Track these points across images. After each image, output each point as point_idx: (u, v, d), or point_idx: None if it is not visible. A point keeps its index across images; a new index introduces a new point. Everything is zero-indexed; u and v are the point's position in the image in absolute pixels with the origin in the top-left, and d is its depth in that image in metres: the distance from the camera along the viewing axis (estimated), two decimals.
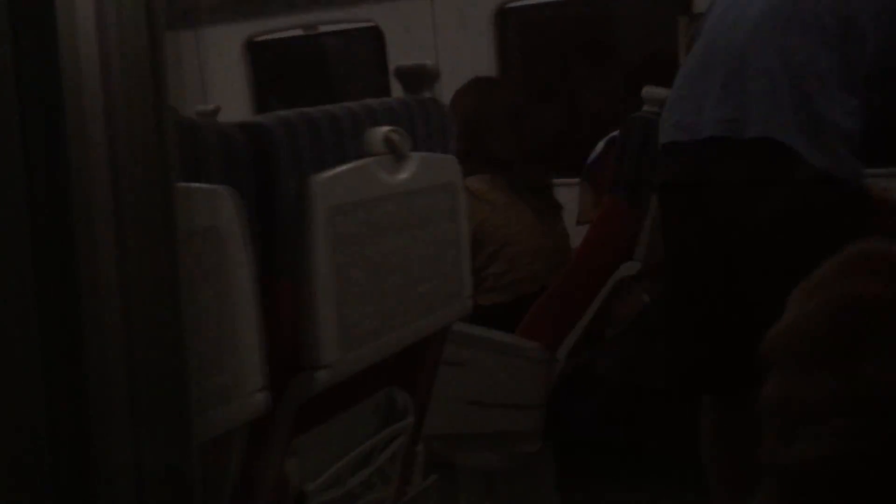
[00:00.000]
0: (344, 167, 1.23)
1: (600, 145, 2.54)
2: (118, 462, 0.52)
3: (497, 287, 2.37)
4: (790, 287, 0.31)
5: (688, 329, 1.83)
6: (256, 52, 3.61)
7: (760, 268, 1.65)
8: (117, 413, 0.52)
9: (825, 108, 1.61)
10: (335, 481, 1.32)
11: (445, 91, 2.41)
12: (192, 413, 0.52)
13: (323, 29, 3.68)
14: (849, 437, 0.28)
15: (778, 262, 1.59)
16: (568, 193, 2.58)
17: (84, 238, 0.51)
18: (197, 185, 1.02)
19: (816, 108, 1.61)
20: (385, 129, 1.29)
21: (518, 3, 3.20)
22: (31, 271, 0.51)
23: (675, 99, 1.82)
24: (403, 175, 1.33)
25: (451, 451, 2.25)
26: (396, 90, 1.57)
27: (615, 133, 2.34)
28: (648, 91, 2.18)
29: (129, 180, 0.53)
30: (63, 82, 0.52)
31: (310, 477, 1.27)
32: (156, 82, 0.56)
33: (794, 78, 1.63)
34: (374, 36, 3.35)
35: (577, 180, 2.62)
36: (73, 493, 0.52)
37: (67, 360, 0.51)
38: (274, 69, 3.77)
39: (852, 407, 0.28)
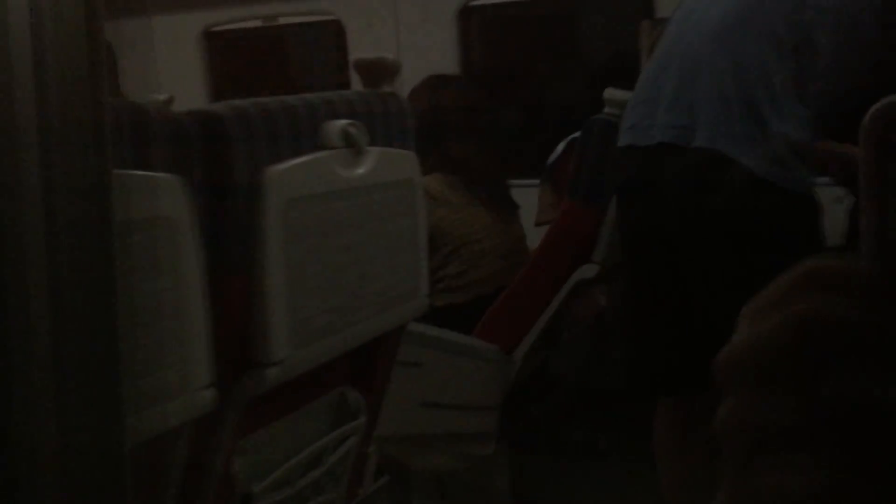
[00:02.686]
0: (300, 160, 1.20)
1: (560, 147, 2.54)
2: (44, 460, 0.49)
3: (453, 288, 2.35)
4: (741, 294, 0.30)
5: (644, 331, 1.83)
6: (213, 41, 3.55)
7: (712, 275, 1.67)
8: (43, 409, 0.48)
9: (774, 117, 1.62)
10: (284, 482, 1.29)
11: (406, 87, 2.39)
12: (123, 411, 0.49)
13: (283, 20, 3.63)
14: (809, 469, 0.26)
15: (729, 270, 1.60)
16: (527, 195, 2.57)
17: (11, 227, 0.47)
18: (145, 173, 0.99)
19: (764, 118, 1.62)
20: (343, 122, 1.26)
21: (481, 2, 3.18)
22: None
23: (633, 103, 1.83)
24: (361, 170, 1.30)
25: (404, 453, 2.22)
26: (357, 85, 1.54)
27: (576, 135, 2.33)
28: (609, 93, 2.18)
29: (61, 168, 0.50)
30: None
31: (257, 477, 1.24)
32: (91, 68, 0.53)
33: (744, 86, 1.64)
34: (335, 29, 3.31)
35: (536, 182, 2.62)
36: None
37: None
38: (231, 60, 3.71)
39: (812, 435, 0.27)
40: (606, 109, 2.18)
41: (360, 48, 3.11)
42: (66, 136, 0.51)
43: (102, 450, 0.50)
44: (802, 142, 1.64)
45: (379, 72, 1.48)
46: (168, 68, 3.47)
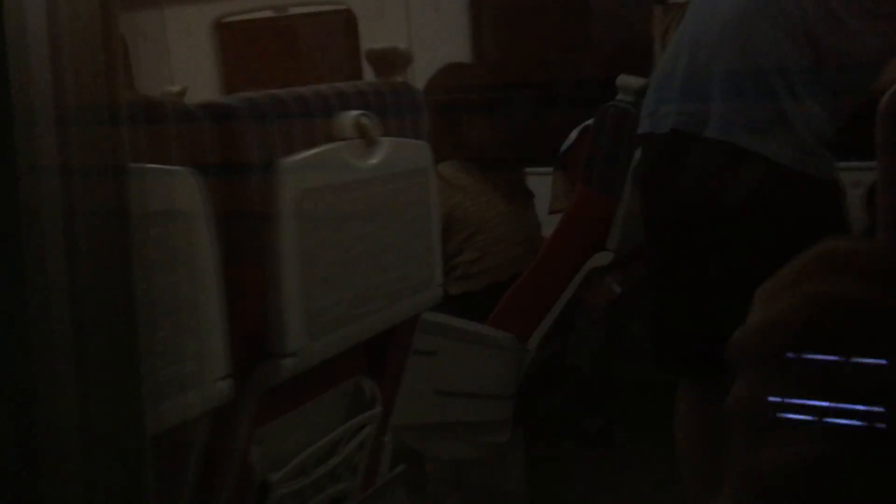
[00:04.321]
0: (313, 151, 1.20)
1: (574, 134, 2.53)
2: (67, 449, 0.50)
3: (468, 275, 2.36)
4: (764, 277, 0.30)
5: (666, 313, 1.83)
6: (225, 33, 3.55)
7: (730, 259, 1.66)
8: (65, 400, 0.49)
9: (791, 104, 1.61)
10: (300, 471, 1.30)
11: (418, 76, 2.39)
12: (143, 400, 0.50)
13: (294, 11, 3.63)
14: (818, 443, 0.26)
15: (749, 254, 1.59)
16: (541, 183, 2.57)
17: (30, 221, 0.48)
18: (160, 166, 0.99)
19: (782, 106, 1.61)
20: (356, 113, 1.27)
21: None
22: None
23: (652, 89, 1.82)
24: (373, 160, 1.30)
25: (420, 441, 2.23)
26: (369, 75, 1.54)
27: (589, 122, 2.32)
28: (623, 80, 2.17)
29: (78, 163, 0.50)
30: (8, 60, 0.49)
31: (274, 466, 1.25)
32: (107, 61, 0.53)
33: (758, 75, 1.63)
34: (347, 19, 3.31)
35: (550, 169, 2.61)
36: (20, 476, 0.49)
37: (13, 350, 0.48)
38: (243, 50, 3.71)
39: (822, 411, 0.27)
40: (619, 96, 2.17)
41: (371, 38, 3.10)
42: (82, 129, 0.51)
43: (124, 439, 0.50)
44: (824, 127, 1.63)
45: (391, 62, 1.48)
46: (180, 60, 3.47)
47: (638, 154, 2.11)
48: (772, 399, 0.27)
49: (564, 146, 2.56)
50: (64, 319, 0.46)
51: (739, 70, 1.64)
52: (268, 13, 3.60)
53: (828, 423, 0.26)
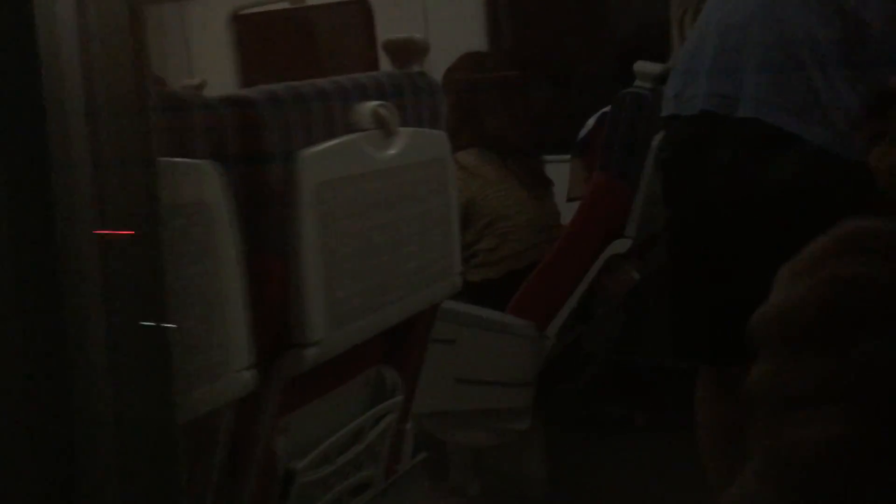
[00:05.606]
0: (332, 142, 1.21)
1: (591, 121, 2.52)
2: (102, 439, 0.51)
3: (487, 262, 2.36)
4: (787, 260, 0.30)
5: (688, 298, 1.82)
6: (242, 25, 3.56)
7: (760, 243, 1.65)
8: (99, 390, 0.50)
9: (823, 84, 1.60)
10: (324, 459, 1.31)
11: (435, 65, 2.39)
12: (174, 389, 0.51)
13: (310, 1, 3.63)
14: (840, 422, 0.27)
15: (778, 238, 1.58)
16: (559, 170, 2.56)
17: (65, 217, 0.49)
18: (182, 160, 1.00)
19: (814, 85, 1.60)
20: (374, 103, 1.27)
21: None
22: (11, 249, 0.49)
23: (676, 72, 1.81)
24: (392, 151, 1.31)
25: (441, 429, 2.25)
26: (385, 64, 1.54)
27: (606, 109, 2.32)
28: (640, 66, 2.16)
29: (109, 157, 0.51)
30: (40, 57, 0.50)
31: (298, 455, 1.27)
32: (136, 57, 0.54)
33: (791, 54, 1.61)
34: (363, 9, 3.31)
35: (567, 157, 2.61)
36: (56, 476, 0.51)
37: (49, 342, 0.49)
38: (260, 42, 3.72)
39: (844, 391, 0.27)
40: (637, 82, 2.16)
41: (388, 28, 3.10)
42: (112, 123, 0.53)
43: (156, 428, 0.52)
44: (855, 109, 1.62)
45: (408, 52, 1.48)
46: (198, 52, 3.49)
47: (657, 139, 2.11)
48: (793, 379, 0.27)
49: (582, 133, 2.55)
50: (97, 312, 0.47)
51: (772, 51, 1.62)
52: (284, 4, 3.61)
53: (849, 404, 0.26)
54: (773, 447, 0.27)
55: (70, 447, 0.48)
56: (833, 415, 0.26)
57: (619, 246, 2.21)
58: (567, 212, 2.42)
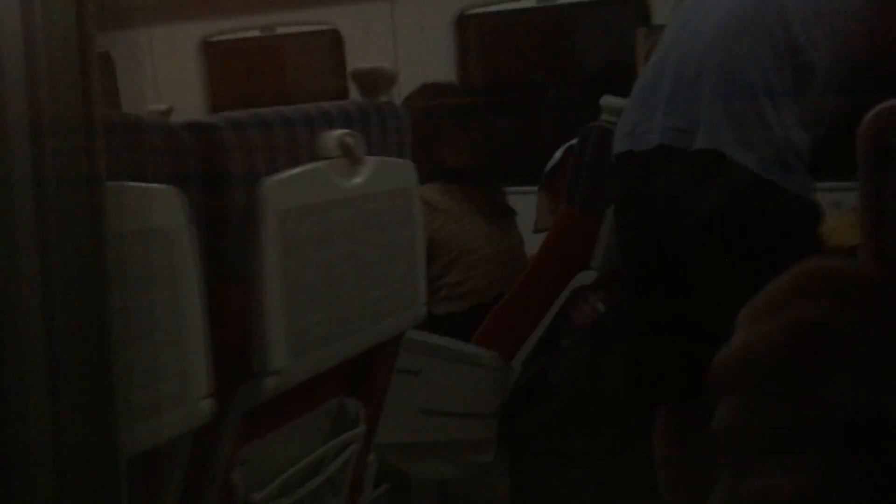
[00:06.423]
0: (296, 170, 1.21)
1: (558, 154, 2.55)
2: (39, 470, 0.49)
3: (452, 296, 2.36)
4: (741, 298, 0.30)
5: (644, 338, 1.83)
6: (211, 52, 3.55)
7: (713, 279, 1.66)
8: (37, 421, 0.49)
9: (774, 120, 1.63)
10: (284, 491, 1.29)
11: (403, 95, 2.40)
12: (118, 421, 0.50)
13: (280, 30, 3.64)
14: (807, 471, 0.26)
15: (730, 274, 1.60)
16: (525, 201, 2.58)
17: (3, 238, 0.48)
18: (142, 184, 0.99)
19: (766, 121, 1.63)
20: (340, 132, 1.27)
21: (478, 10, 3.19)
22: None
23: (630, 109, 1.83)
24: (358, 179, 1.30)
25: (404, 461, 2.22)
26: (354, 95, 1.54)
27: (573, 141, 2.34)
28: (606, 100, 2.19)
29: (53, 180, 0.50)
30: None
31: (257, 486, 1.24)
32: (84, 80, 0.53)
33: (744, 90, 1.64)
34: (333, 39, 3.32)
35: (534, 188, 2.62)
36: None
37: None
38: (229, 70, 3.72)
39: (809, 439, 0.27)
40: (603, 116, 2.19)
41: (357, 58, 3.12)
42: (57, 145, 0.51)
43: (98, 460, 0.50)
44: (805, 146, 1.65)
45: (376, 81, 1.49)
46: (166, 79, 3.47)
47: None
48: (759, 425, 0.27)
49: (549, 166, 2.57)
50: (37, 337, 0.46)
51: (724, 85, 1.65)
52: (255, 32, 3.61)
53: (816, 452, 0.26)
54: (742, 497, 0.27)
55: (3, 482, 0.46)
56: (800, 463, 0.26)
57: (585, 278, 2.22)
58: (533, 243, 2.43)
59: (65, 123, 0.50)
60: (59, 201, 0.49)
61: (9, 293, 0.46)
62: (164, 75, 3.48)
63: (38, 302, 0.46)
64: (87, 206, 0.49)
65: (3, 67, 0.49)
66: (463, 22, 3.18)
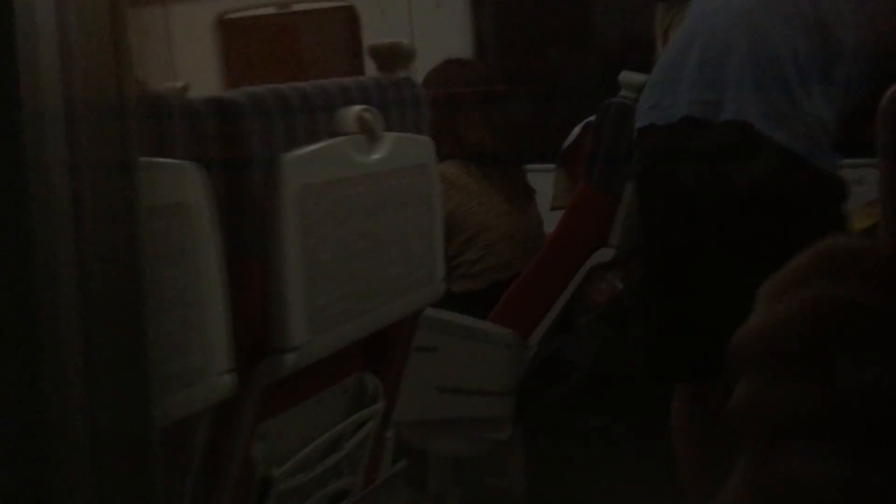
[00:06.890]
0: (315, 146, 1.20)
1: (576, 130, 2.53)
2: (75, 444, 0.50)
3: (470, 274, 2.35)
4: (763, 274, 0.30)
5: (663, 314, 1.82)
6: (228, 29, 3.55)
7: (735, 254, 1.65)
8: (73, 395, 0.49)
9: (803, 96, 1.61)
10: (302, 467, 1.30)
11: (421, 72, 2.38)
12: (151, 396, 0.50)
13: (296, 7, 3.62)
14: (826, 454, 0.26)
15: (753, 248, 1.59)
16: (543, 179, 2.56)
17: (40, 216, 0.48)
18: (163, 160, 0.99)
19: (795, 97, 1.61)
20: (358, 108, 1.26)
21: None
22: None
23: (652, 84, 1.81)
24: (376, 155, 1.30)
25: (422, 438, 2.23)
26: (372, 71, 1.54)
27: (591, 118, 2.32)
28: (625, 76, 2.17)
29: (88, 157, 0.50)
30: (18, 58, 0.49)
31: (276, 462, 1.25)
32: (117, 57, 0.53)
33: (772, 65, 1.62)
34: (349, 15, 3.30)
35: (551, 166, 2.61)
36: (28, 471, 0.50)
37: (23, 345, 0.48)
38: (245, 47, 3.71)
39: (833, 423, 0.26)
40: (622, 92, 2.17)
41: (374, 34, 3.10)
42: (92, 122, 0.51)
43: (132, 433, 0.50)
44: (832, 123, 1.63)
45: (394, 57, 1.48)
46: (183, 56, 3.47)
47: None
48: (779, 406, 0.26)
49: (566, 143, 2.55)
50: (73, 314, 0.46)
51: (753, 60, 1.64)
52: (271, 9, 3.60)
53: (836, 433, 0.26)
54: (762, 480, 0.27)
55: (41, 455, 0.47)
56: (819, 448, 0.25)
57: (602, 255, 2.21)
58: (551, 221, 2.42)
59: (98, 102, 0.50)
60: (94, 179, 0.49)
61: (46, 271, 0.46)
62: (181, 53, 3.47)
63: (75, 278, 0.46)
64: (121, 183, 0.49)
65: (38, 46, 0.49)
66: None
